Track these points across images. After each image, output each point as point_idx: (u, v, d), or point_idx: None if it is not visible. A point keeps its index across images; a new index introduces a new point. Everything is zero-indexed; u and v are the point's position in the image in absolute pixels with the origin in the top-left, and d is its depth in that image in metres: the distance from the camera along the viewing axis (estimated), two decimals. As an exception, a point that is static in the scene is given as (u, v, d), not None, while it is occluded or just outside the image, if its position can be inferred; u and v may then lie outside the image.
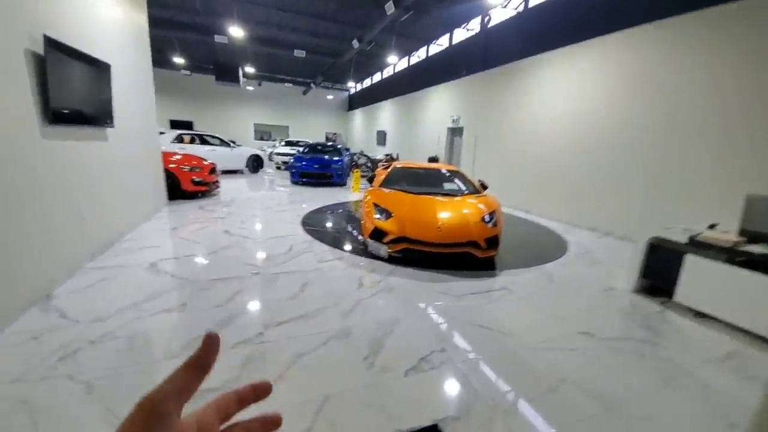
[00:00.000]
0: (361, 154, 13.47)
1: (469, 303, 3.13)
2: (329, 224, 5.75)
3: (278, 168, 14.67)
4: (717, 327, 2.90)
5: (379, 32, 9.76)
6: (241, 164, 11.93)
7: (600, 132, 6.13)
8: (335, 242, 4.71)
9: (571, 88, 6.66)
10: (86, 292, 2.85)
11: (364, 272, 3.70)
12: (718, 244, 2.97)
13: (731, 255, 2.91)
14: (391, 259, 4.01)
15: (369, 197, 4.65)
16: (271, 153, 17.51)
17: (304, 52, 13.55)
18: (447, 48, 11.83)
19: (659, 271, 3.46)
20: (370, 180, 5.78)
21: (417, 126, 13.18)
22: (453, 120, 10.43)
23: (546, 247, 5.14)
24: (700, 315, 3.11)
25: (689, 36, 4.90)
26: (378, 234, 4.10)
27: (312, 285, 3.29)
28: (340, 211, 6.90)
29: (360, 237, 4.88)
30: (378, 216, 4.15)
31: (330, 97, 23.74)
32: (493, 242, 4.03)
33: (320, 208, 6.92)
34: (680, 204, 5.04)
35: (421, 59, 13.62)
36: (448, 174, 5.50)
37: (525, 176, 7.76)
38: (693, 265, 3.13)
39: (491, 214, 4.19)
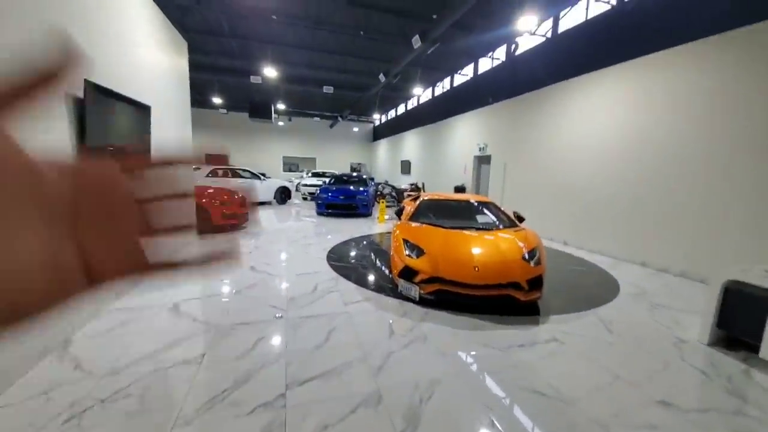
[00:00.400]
0: (386, 183, 13.44)
1: (517, 358, 2.72)
2: (355, 259, 5.53)
3: (305, 199, 14.90)
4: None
5: (405, 65, 9.96)
6: (269, 196, 12.20)
7: (645, 158, 5.67)
8: (362, 280, 4.45)
9: (607, 114, 6.31)
10: (106, 337, 2.74)
11: (394, 316, 3.40)
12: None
13: None
14: (423, 301, 3.69)
15: (398, 232, 4.42)
16: (298, 184, 17.97)
17: (332, 88, 14.11)
18: (472, 77, 11.89)
19: (738, 321, 2.92)
20: (398, 213, 5.55)
21: (442, 155, 13.08)
22: (480, 148, 10.22)
23: (594, 287, 4.62)
24: None
25: (732, 53, 4.50)
26: (408, 273, 3.82)
27: (338, 331, 3.02)
28: (366, 244, 6.69)
29: (388, 274, 4.61)
30: (408, 253, 3.88)
31: (356, 129, 24.45)
32: (536, 283, 3.62)
33: (346, 241, 6.75)
34: (747, 236, 4.42)
35: (445, 90, 13.77)
36: (480, 205, 5.20)
37: (560, 205, 7.29)
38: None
39: (532, 250, 3.81)
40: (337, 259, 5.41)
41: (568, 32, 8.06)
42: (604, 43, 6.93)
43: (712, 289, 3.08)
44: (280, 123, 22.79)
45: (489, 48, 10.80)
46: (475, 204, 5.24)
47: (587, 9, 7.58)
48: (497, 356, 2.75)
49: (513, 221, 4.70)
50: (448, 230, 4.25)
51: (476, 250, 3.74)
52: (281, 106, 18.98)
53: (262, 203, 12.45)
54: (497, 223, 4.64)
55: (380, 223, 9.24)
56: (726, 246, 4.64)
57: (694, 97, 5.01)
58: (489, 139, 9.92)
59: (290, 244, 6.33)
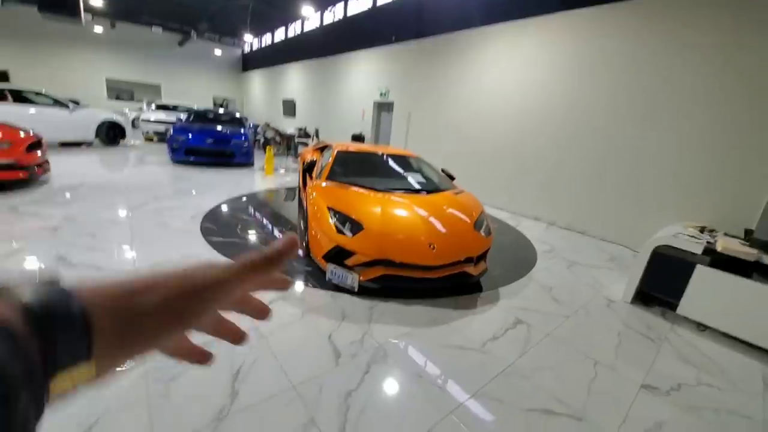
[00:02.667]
0: (268, 126, 11.14)
1: (500, 360, 2.16)
2: (247, 231, 4.03)
3: (149, 140, 11.16)
4: (725, 342, 2.64)
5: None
6: (87, 133, 8.45)
7: (547, 117, 5.83)
8: None
9: (518, 68, 6.18)
10: None
11: (330, 322, 2.36)
12: (739, 257, 2.67)
13: (755, 269, 2.66)
14: (361, 290, 2.74)
15: (316, 196, 3.21)
16: (135, 119, 13.42)
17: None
18: (371, 8, 10.31)
19: (661, 282, 3.12)
20: (308, 169, 4.16)
21: (336, 97, 11.50)
22: (381, 93, 9.21)
23: (512, 246, 4.58)
24: (702, 327, 2.88)
25: (664, 14, 4.73)
26: (340, 255, 2.76)
27: (253, 368, 1.83)
28: (255, 206, 5.11)
29: (303, 254, 3.43)
30: (339, 228, 2.78)
31: (218, 52, 19.44)
32: (483, 254, 3.14)
33: (225, 203, 4.99)
34: (620, 196, 5.09)
35: (339, 19, 11.76)
36: (408, 161, 4.37)
37: (463, 158, 7.19)
38: (704, 278, 2.82)
39: (480, 218, 3.28)
40: (218, 232, 3.80)
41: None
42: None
43: (641, 253, 3.18)
44: (98, 29, 16.01)
45: (389, -27, 9.34)
46: (403, 159, 4.39)
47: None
48: (480, 362, 2.13)
49: (447, 181, 4.07)
50: (384, 194, 3.28)
51: (427, 222, 2.94)
52: (97, 2, 13.06)
53: (76, 144, 8.57)
54: (435, 183, 3.92)
55: (267, 176, 7.48)
56: (602, 202, 5.25)
57: (608, 62, 5.12)
58: (391, 83, 8.97)
59: (134, 211, 4.21)
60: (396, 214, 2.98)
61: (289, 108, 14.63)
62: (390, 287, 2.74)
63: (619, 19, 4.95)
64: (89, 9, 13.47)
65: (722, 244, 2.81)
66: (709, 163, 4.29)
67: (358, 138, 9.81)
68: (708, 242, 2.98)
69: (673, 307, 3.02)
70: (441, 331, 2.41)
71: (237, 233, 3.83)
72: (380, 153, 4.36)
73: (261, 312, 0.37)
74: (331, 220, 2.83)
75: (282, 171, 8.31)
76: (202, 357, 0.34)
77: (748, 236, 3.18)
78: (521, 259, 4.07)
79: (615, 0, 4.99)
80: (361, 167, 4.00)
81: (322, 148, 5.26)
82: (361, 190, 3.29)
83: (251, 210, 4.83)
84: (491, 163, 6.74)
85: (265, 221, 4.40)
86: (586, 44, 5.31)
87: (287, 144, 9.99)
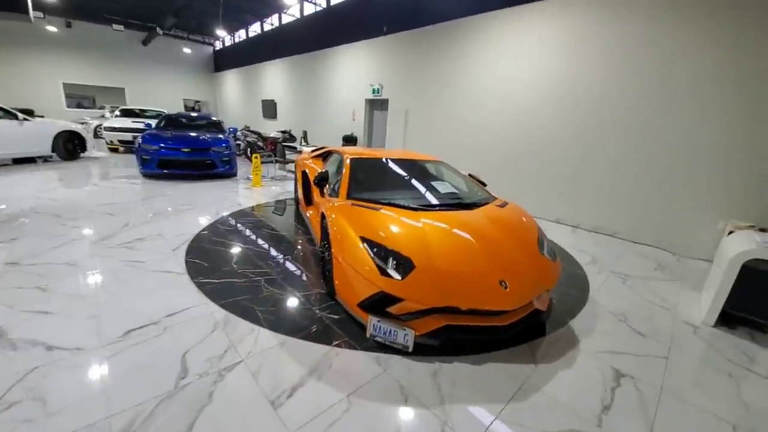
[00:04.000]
0: (248, 130, 10.20)
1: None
2: (253, 266, 3.27)
3: (114, 150, 10.01)
4: None
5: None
6: (42, 147, 7.34)
7: (567, 112, 5.32)
8: (285, 316, 2.43)
9: (535, 58, 5.63)
10: None
11: (392, 409, 1.70)
12: None
13: None
14: (417, 348, 2.09)
15: (339, 222, 2.52)
16: (98, 127, 12.18)
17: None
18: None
19: (750, 300, 2.63)
20: (320, 182, 3.40)
21: (322, 96, 10.69)
22: (374, 90, 8.51)
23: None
24: None
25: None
26: (384, 302, 2.09)
27: None
28: (253, 227, 4.34)
29: (325, 291, 2.73)
30: (384, 267, 2.10)
31: (187, 50, 18.10)
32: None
33: (213, 226, 4.20)
34: (640, 192, 4.66)
35: (321, 9, 10.91)
36: (432, 167, 3.75)
37: (472, 158, 6.62)
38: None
39: (540, 236, 2.69)
40: (209, 270, 3.03)
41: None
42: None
43: (727, 268, 2.68)
44: (51, 27, 14.46)
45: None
46: (426, 165, 3.75)
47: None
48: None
49: (485, 190, 3.45)
50: (420, 214, 2.63)
51: (489, 250, 2.31)
52: (46, -3, 11.67)
53: (30, 160, 7.47)
54: (472, 193, 3.30)
55: (255, 187, 6.66)
56: (632, 201, 4.79)
57: (639, 46, 4.64)
58: (385, 79, 8.28)
59: (98, 246, 3.37)
60: (448, 242, 2.34)
61: (270, 109, 13.67)
62: (450, 341, 2.11)
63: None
64: (41, 6, 12.04)
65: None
66: (752, 158, 3.87)
67: (350, 140, 9.08)
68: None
69: (764, 328, 2.55)
70: (537, 404, 1.79)
71: (235, 270, 3.07)
72: (400, 159, 3.70)
73: None
74: (371, 257, 2.15)
75: (269, 180, 7.48)
76: None
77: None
78: (569, 275, 3.51)
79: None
80: (382, 179, 3.34)
81: (325, 155, 4.54)
82: (394, 212, 2.62)
83: (247, 233, 4.06)
84: (506, 164, 6.19)
85: (267, 247, 3.65)
86: (611, 29, 4.81)
87: (273, 149, 9.12)
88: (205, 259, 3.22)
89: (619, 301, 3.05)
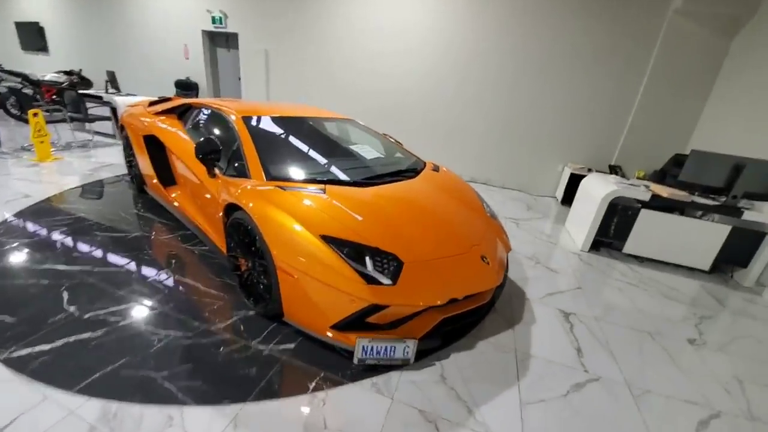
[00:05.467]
0: (2, 70, 6.35)
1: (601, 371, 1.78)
2: (99, 302, 2.01)
3: None
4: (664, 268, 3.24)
5: None
6: None
7: (450, 70, 5.40)
8: (206, 372, 1.59)
9: (417, 10, 5.31)
10: None
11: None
12: (675, 198, 3.12)
13: (687, 208, 3.20)
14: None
15: (281, 217, 1.75)
16: None
17: None
18: None
19: (610, 229, 3.42)
20: (207, 158, 2.25)
21: (128, 20, 7.50)
22: (214, 19, 6.49)
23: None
24: (641, 259, 3.42)
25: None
26: (367, 314, 1.62)
27: None
28: (73, 232, 2.74)
29: (275, 316, 1.97)
30: (362, 271, 1.58)
31: None
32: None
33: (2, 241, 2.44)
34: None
35: None
36: (351, 128, 3.15)
37: (347, 108, 6.13)
38: (647, 220, 3.24)
39: (480, 197, 2.67)
40: (21, 328, 1.72)
41: None
42: None
43: (599, 206, 3.33)
44: None
45: None
46: (341, 126, 3.13)
47: None
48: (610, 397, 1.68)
49: (407, 151, 3.14)
50: (375, 192, 2.14)
51: (462, 225, 2.10)
52: None
53: None
54: (403, 159, 2.92)
55: (43, 163, 4.31)
56: (500, 152, 5.48)
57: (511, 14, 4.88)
58: (230, 5, 6.37)
59: None
60: (418, 224, 1.97)
61: (32, 37, 8.85)
62: (445, 335, 1.86)
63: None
64: None
65: (661, 191, 3.22)
66: (583, 116, 4.95)
67: (187, 86, 6.92)
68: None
69: (619, 248, 3.42)
70: (539, 372, 1.80)
71: (77, 317, 1.84)
72: (307, 119, 2.91)
73: None
74: (345, 262, 1.58)
75: (62, 149, 5.02)
76: None
77: (614, 171, 4.30)
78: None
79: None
80: (297, 147, 2.53)
81: (181, 111, 3.18)
82: (340, 192, 2.01)
83: (69, 244, 2.53)
84: (390, 119, 5.96)
85: (120, 263, 2.36)
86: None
87: (54, 100, 6.01)
88: (7, 310, 1.81)
89: (524, 245, 3.46)
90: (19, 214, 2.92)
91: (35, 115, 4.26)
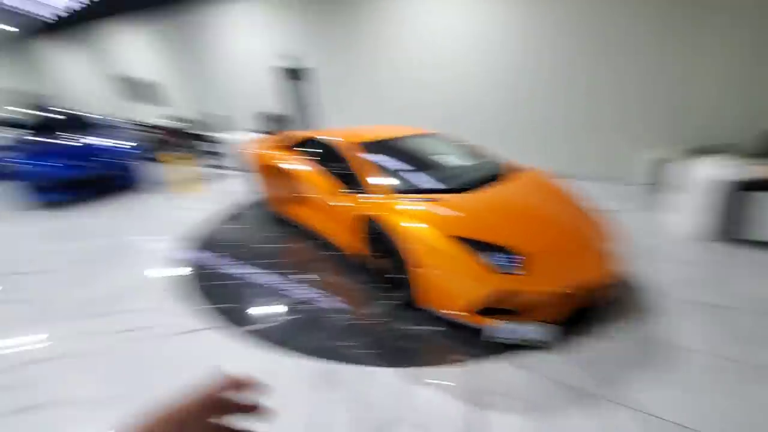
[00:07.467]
0: (148, 125, 7.93)
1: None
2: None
3: None
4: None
5: None
6: None
7: (504, 68, 5.54)
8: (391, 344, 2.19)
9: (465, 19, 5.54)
10: None
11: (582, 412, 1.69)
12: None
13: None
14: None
15: (410, 225, 2.29)
16: None
17: None
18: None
19: (730, 214, 3.15)
20: (343, 177, 2.92)
21: (210, 67, 8.79)
22: (291, 59, 7.38)
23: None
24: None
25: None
26: (501, 301, 2.02)
27: None
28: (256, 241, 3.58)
29: (407, 303, 2.46)
30: (502, 264, 2.04)
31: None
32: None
33: (200, 259, 3.32)
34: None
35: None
36: (440, 142, 3.64)
37: (417, 123, 6.51)
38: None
39: (577, 196, 2.91)
40: (232, 304, 2.54)
41: None
42: None
43: (706, 191, 3.21)
44: None
45: None
46: (427, 139, 3.61)
47: None
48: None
49: (490, 156, 3.50)
50: (481, 196, 2.57)
51: (560, 221, 2.48)
52: None
53: None
54: (492, 164, 3.28)
55: (191, 193, 5.42)
56: (578, 144, 5.41)
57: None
58: (298, 42, 7.19)
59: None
60: (530, 220, 2.40)
61: (139, 89, 10.74)
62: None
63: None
64: None
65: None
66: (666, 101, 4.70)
67: (277, 120, 7.90)
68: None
69: (737, 236, 3.13)
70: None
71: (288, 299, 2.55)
72: (405, 137, 3.45)
73: (252, 410, 0.37)
74: (480, 256, 2.04)
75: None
76: None
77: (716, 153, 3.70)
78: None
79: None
80: (406, 162, 3.09)
81: (301, 144, 3.86)
82: (454, 198, 2.47)
83: (231, 254, 3.32)
84: (450, 121, 6.19)
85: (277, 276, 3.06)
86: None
87: (175, 143, 7.34)
88: (233, 300, 2.59)
89: (644, 239, 3.28)
90: (211, 233, 3.96)
91: (178, 158, 5.39)
